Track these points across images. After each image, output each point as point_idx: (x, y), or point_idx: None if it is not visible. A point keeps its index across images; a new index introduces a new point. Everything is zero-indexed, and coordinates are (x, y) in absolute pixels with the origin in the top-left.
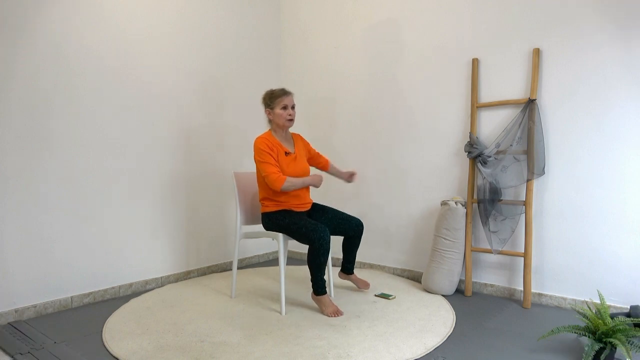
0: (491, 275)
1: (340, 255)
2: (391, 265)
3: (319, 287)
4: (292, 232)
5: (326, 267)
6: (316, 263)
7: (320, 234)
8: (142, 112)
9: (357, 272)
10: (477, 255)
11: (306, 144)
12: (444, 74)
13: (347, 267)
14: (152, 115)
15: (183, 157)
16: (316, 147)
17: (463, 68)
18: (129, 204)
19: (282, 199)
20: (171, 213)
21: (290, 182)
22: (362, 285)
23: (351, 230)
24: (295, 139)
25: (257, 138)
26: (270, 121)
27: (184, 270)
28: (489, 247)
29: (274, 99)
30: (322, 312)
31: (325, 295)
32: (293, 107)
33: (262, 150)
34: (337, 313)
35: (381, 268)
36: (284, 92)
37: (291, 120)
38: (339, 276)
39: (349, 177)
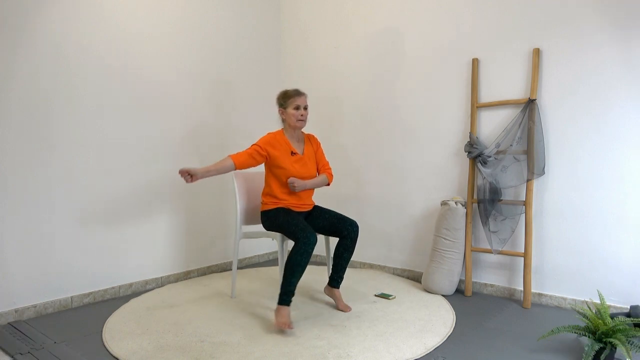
0: (491, 275)
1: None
2: (391, 265)
3: (286, 295)
4: (283, 229)
5: (324, 268)
6: (292, 262)
7: (307, 233)
8: (142, 111)
9: (357, 272)
10: (477, 255)
11: (317, 148)
12: (444, 74)
13: (335, 278)
14: (152, 115)
15: (183, 157)
16: None
17: (463, 68)
18: (129, 204)
19: (280, 197)
20: (171, 213)
21: (237, 157)
22: (341, 307)
23: (345, 229)
24: (307, 141)
25: (267, 133)
26: (283, 120)
27: (184, 270)
28: (489, 247)
29: (287, 98)
30: (274, 320)
31: (287, 307)
32: (305, 108)
33: (259, 140)
34: (287, 326)
35: (381, 268)
36: (297, 93)
37: (302, 120)
38: (324, 290)
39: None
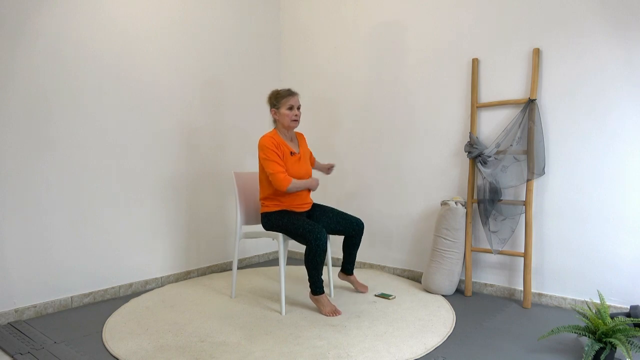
0: (491, 275)
1: (341, 255)
2: (391, 265)
3: (316, 287)
4: (290, 232)
5: (324, 267)
6: (313, 263)
7: (317, 234)
8: (142, 112)
9: (357, 272)
10: (477, 255)
11: (307, 146)
12: (444, 74)
13: (347, 267)
14: (152, 115)
15: (183, 157)
16: (316, 147)
17: (463, 68)
18: (129, 204)
19: (282, 199)
20: (171, 213)
21: (295, 184)
22: (360, 288)
23: (351, 229)
24: (300, 139)
25: (262, 137)
26: (275, 121)
27: (184, 270)
28: (489, 247)
29: (280, 98)
30: (320, 311)
31: (323, 295)
32: (299, 108)
33: (268, 148)
34: (335, 312)
35: (381, 268)
36: (290, 93)
37: (296, 121)
38: (339, 276)
39: (327, 170)
